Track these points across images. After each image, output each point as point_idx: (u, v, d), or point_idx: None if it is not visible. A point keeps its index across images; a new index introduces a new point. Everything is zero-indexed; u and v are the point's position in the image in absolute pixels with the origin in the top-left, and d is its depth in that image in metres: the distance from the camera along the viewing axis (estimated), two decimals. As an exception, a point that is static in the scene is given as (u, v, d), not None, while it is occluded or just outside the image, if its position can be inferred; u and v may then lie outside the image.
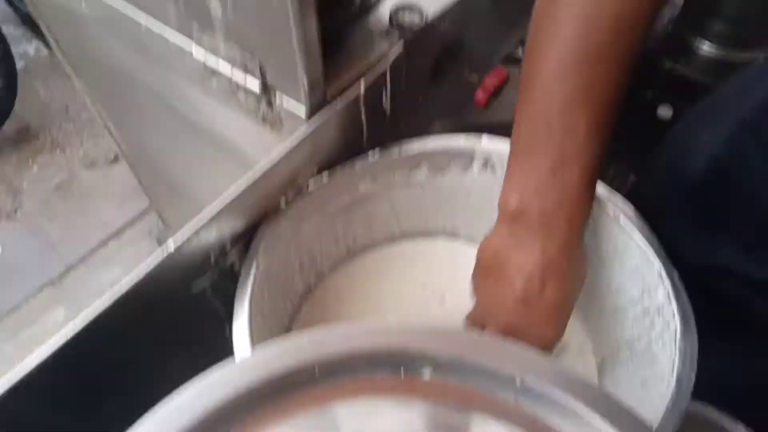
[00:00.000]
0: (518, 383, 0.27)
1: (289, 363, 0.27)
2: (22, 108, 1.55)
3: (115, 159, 1.49)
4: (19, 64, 1.43)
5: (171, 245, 0.32)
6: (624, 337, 0.41)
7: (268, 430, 0.26)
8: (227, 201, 0.33)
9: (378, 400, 0.28)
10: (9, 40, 1.38)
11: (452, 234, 0.51)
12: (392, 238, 0.51)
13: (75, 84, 0.73)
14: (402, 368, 0.28)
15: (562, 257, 0.33)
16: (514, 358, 0.28)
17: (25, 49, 1.63)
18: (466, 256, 0.51)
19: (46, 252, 1.35)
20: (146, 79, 0.51)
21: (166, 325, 0.35)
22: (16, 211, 1.45)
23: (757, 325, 0.44)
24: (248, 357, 0.32)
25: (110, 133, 0.83)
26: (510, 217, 0.34)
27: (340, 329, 0.28)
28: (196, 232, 0.32)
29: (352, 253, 0.49)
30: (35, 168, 1.51)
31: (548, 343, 0.35)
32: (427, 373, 0.28)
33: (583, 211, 0.33)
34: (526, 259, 0.33)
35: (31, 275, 1.30)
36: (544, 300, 0.33)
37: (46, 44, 1.60)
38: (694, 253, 0.41)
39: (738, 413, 0.46)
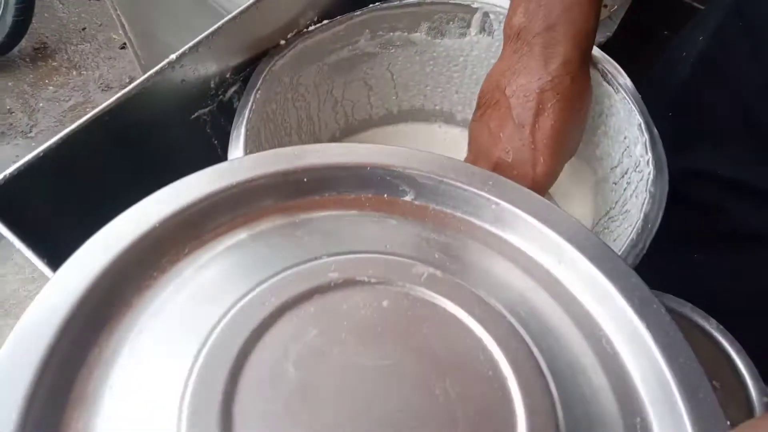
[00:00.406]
0: (494, 209, 0.29)
1: (279, 167, 0.29)
2: (40, 26, 1.56)
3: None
4: (38, -22, 1.43)
5: (173, 56, 0.33)
6: (605, 208, 0.43)
7: (254, 230, 0.28)
8: (228, 19, 0.34)
9: (362, 216, 0.29)
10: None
11: (449, 118, 0.53)
12: (390, 118, 0.52)
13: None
14: (385, 194, 0.30)
15: (564, 76, 0.32)
16: (492, 185, 0.29)
17: (44, -35, 1.63)
18: (463, 142, 0.53)
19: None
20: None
21: (164, 147, 0.37)
22: (31, 130, 1.47)
23: (734, 231, 0.45)
24: (240, 157, 0.34)
25: (129, 44, 0.84)
26: (514, 36, 0.33)
27: (329, 146, 0.30)
28: (196, 47, 0.34)
29: (351, 127, 0.51)
30: (51, 88, 1.53)
31: (539, 178, 0.34)
32: (409, 197, 0.30)
33: (587, 25, 0.33)
34: (525, 78, 0.32)
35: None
36: (540, 125, 0.32)
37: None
38: (672, 159, 0.42)
39: (719, 318, 0.48)
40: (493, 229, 0.28)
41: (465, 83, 0.48)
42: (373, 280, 0.25)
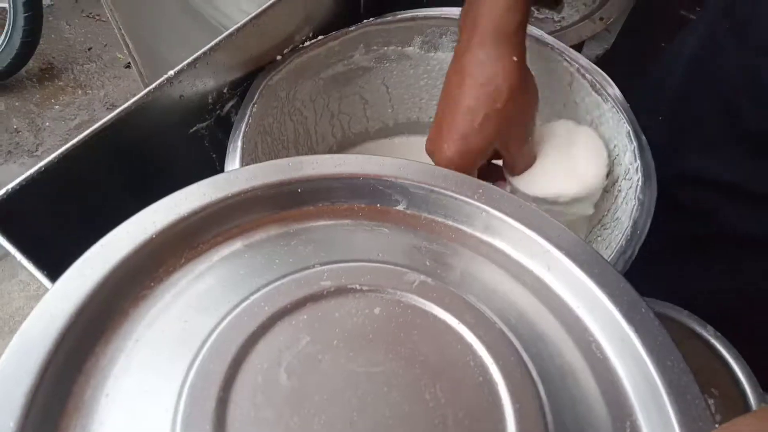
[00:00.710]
0: (484, 217, 0.30)
1: (275, 178, 0.29)
2: (47, 46, 1.59)
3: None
4: (46, 1, 1.45)
5: (171, 72, 0.34)
6: (597, 217, 0.43)
7: (249, 240, 0.29)
8: (224, 35, 0.35)
9: (355, 225, 0.30)
10: (36, -24, 1.40)
11: (445, 131, 0.53)
12: (386, 131, 0.53)
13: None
14: (378, 203, 0.30)
15: (471, 59, 0.33)
16: (482, 193, 0.30)
17: (52, -14, 1.65)
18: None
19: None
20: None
21: (164, 161, 0.38)
22: (37, 149, 1.49)
23: (725, 234, 0.45)
24: (236, 169, 0.34)
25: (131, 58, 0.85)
26: (462, 31, 0.35)
27: (323, 157, 0.30)
28: (194, 63, 0.35)
29: (347, 140, 0.52)
30: (57, 107, 1.55)
31: (444, 163, 0.34)
32: (401, 206, 0.30)
33: (501, 4, 0.33)
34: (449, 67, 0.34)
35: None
36: (444, 110, 0.33)
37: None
38: (665, 163, 0.43)
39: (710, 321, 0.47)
40: (484, 237, 0.29)
41: (459, 95, 0.49)
42: (365, 288, 0.25)
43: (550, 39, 0.42)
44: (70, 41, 1.63)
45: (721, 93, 0.41)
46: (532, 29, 0.41)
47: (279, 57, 0.41)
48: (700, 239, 0.46)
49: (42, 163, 0.31)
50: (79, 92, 1.57)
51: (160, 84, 0.33)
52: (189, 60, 0.34)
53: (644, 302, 0.27)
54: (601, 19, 0.81)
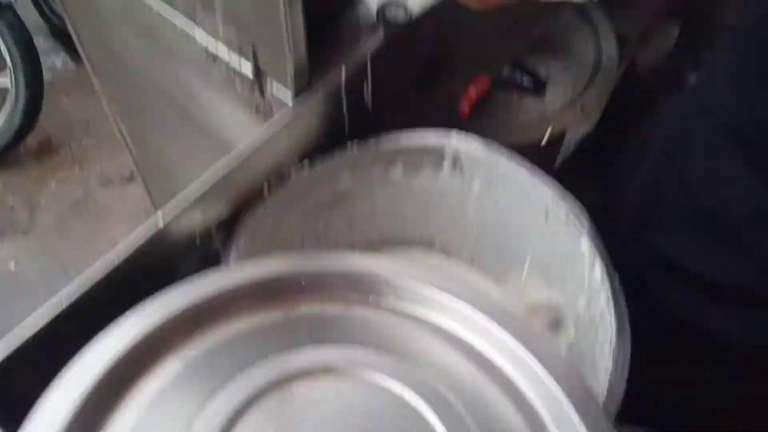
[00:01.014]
0: (465, 315, 0.31)
1: (280, 270, 0.32)
2: (45, 121, 1.60)
3: (131, 177, 1.53)
4: (46, 77, 1.46)
5: (160, 221, 0.35)
6: (575, 354, 0.43)
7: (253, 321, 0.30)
8: (215, 179, 0.36)
9: (346, 313, 0.32)
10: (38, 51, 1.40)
11: (429, 245, 0.55)
12: (372, 245, 0.54)
13: (94, 83, 0.77)
14: (370, 296, 0.33)
15: None
16: (467, 292, 0.32)
17: (53, 62, 1.67)
18: (442, 268, 0.54)
19: (55, 271, 1.36)
20: (156, 74, 0.55)
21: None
22: (31, 228, 1.48)
23: (698, 338, 0.45)
24: (243, 262, 0.36)
25: (127, 146, 0.87)
26: None
27: (325, 254, 0.34)
28: (184, 210, 0.36)
29: (335, 254, 0.52)
30: (54, 184, 1.55)
31: None
32: (390, 298, 0.33)
33: None
34: None
35: (39, 294, 1.33)
36: None
37: (74, 57, 1.64)
38: (641, 250, 0.42)
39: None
40: (463, 333, 0.31)
41: (443, 212, 0.50)
42: (340, 368, 0.28)
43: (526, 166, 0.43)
44: (68, 114, 1.64)
45: (686, 175, 0.42)
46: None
47: (266, 190, 0.42)
48: (665, 346, 0.46)
49: (23, 337, 0.31)
50: (76, 168, 1.57)
51: (147, 236, 0.34)
52: (177, 210, 0.35)
53: (596, 399, 0.29)
54: (582, 110, 0.84)
